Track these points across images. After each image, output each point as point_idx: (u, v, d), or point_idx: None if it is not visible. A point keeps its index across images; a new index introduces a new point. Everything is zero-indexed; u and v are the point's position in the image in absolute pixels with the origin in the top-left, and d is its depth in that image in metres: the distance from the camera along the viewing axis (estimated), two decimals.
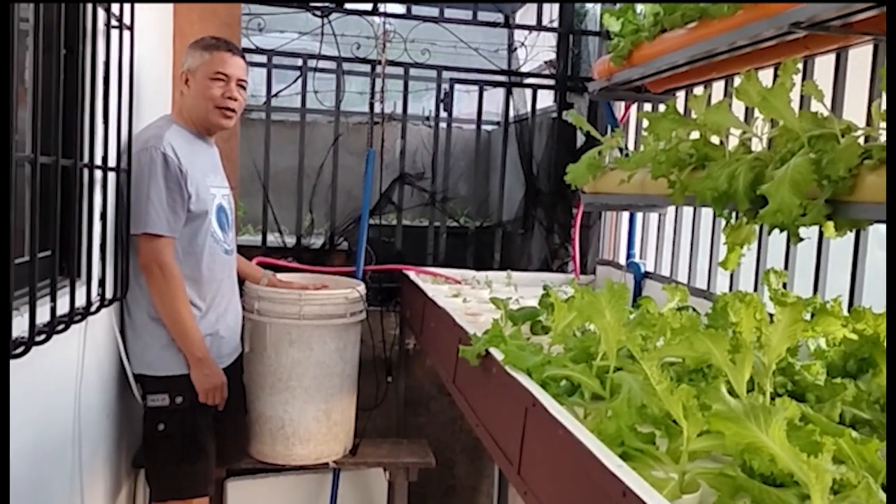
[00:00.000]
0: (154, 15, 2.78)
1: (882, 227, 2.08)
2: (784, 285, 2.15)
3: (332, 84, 4.00)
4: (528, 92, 4.32)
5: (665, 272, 3.38)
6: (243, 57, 2.57)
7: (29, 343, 1.56)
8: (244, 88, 2.56)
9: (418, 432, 3.94)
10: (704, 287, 2.99)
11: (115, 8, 2.14)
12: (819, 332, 1.85)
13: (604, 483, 1.21)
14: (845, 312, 1.88)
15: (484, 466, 4.25)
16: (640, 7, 2.76)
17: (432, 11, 4.07)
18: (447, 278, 3.71)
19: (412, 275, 3.69)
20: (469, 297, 3.21)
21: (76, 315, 1.89)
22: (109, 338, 2.38)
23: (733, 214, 2.08)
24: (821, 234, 2.31)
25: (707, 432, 1.30)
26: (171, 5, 3.09)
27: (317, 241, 4.05)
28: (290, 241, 3.99)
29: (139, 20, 2.32)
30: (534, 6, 4.41)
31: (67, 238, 1.91)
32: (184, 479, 2.52)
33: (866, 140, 1.72)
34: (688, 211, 3.19)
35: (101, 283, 2.16)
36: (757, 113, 1.86)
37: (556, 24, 4.31)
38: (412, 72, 4.03)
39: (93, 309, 2.06)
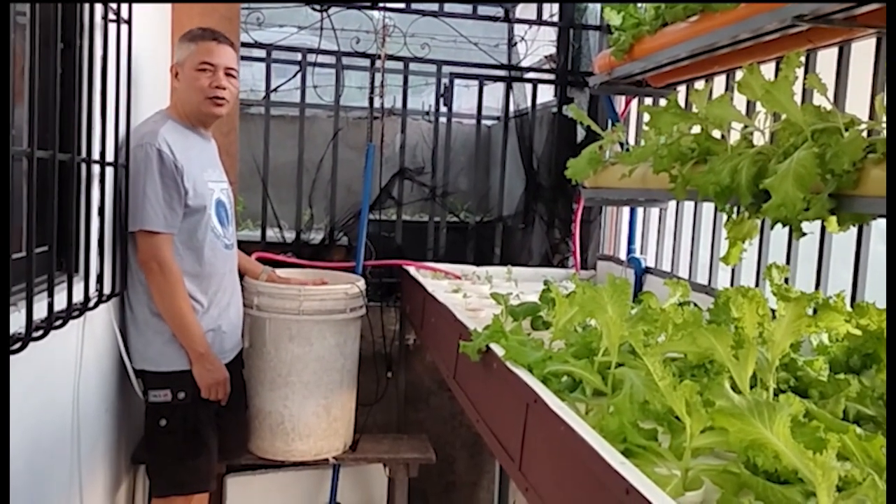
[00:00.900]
0: (152, 9, 2.77)
1: (884, 222, 2.07)
2: (786, 280, 2.14)
3: (331, 79, 3.98)
4: (529, 86, 4.31)
5: (666, 267, 3.37)
6: (232, 45, 2.54)
7: (26, 339, 1.55)
8: (234, 77, 2.53)
9: (418, 428, 3.93)
10: (706, 282, 2.98)
11: (112, 2, 2.12)
12: (822, 327, 1.84)
13: (606, 480, 1.20)
14: (848, 307, 1.87)
15: (484, 462, 4.24)
16: None
17: (432, 6, 4.05)
18: (447, 273, 3.70)
19: (412, 270, 3.67)
20: (469, 293, 3.20)
21: (74, 311, 1.88)
22: (108, 333, 2.37)
23: (735, 209, 2.07)
24: (823, 228, 2.30)
25: (710, 429, 1.29)
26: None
27: (316, 237, 4.04)
28: (290, 236, 3.98)
29: (137, 14, 2.30)
30: None
31: (65, 233, 1.90)
32: (185, 474, 2.51)
33: (869, 134, 1.71)
34: (689, 206, 3.18)
35: (100, 278, 2.15)
36: (759, 107, 1.85)
37: (556, 19, 4.29)
38: (412, 66, 4.02)
39: (91, 304, 2.05)
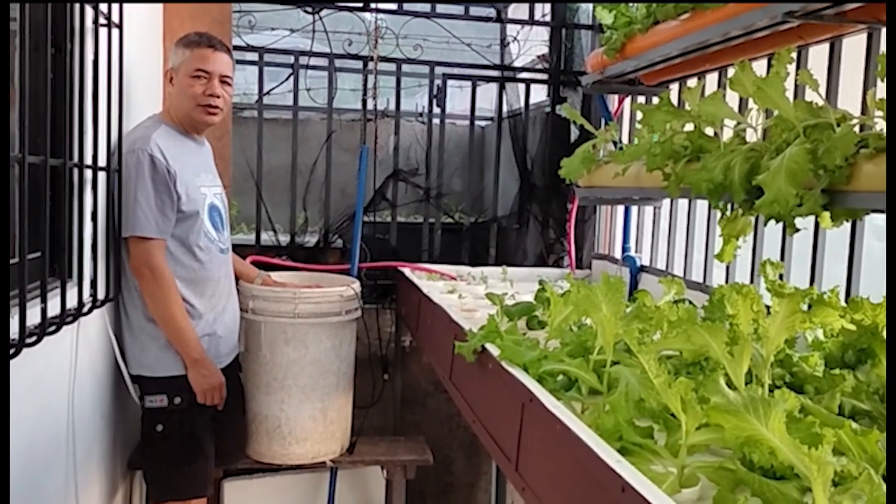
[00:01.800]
0: (144, 13, 2.76)
1: (878, 217, 2.08)
2: (781, 276, 2.14)
3: (324, 81, 3.98)
4: (522, 86, 4.31)
5: (661, 265, 3.37)
6: (228, 52, 2.53)
7: (20, 345, 1.55)
8: (229, 84, 2.52)
9: (415, 430, 3.93)
10: (701, 280, 2.98)
11: (103, 6, 2.11)
12: (817, 323, 1.84)
13: (602, 478, 1.20)
14: (843, 303, 1.87)
15: (481, 463, 4.24)
16: None
17: (424, 7, 4.05)
18: (442, 274, 3.70)
19: (407, 271, 3.67)
20: (465, 293, 3.20)
21: (68, 316, 1.87)
22: (103, 339, 2.36)
23: (729, 206, 2.07)
24: (817, 224, 2.30)
25: (706, 425, 1.29)
26: (160, 5, 3.07)
27: (311, 239, 4.03)
28: (284, 239, 3.97)
29: (128, 18, 2.30)
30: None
31: (57, 239, 1.89)
32: (182, 479, 2.50)
33: (862, 129, 1.71)
34: (683, 203, 3.18)
35: (94, 283, 2.14)
36: (751, 104, 1.85)
37: (548, 19, 4.29)
38: (405, 68, 4.01)
39: (85, 310, 2.04)
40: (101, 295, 2.19)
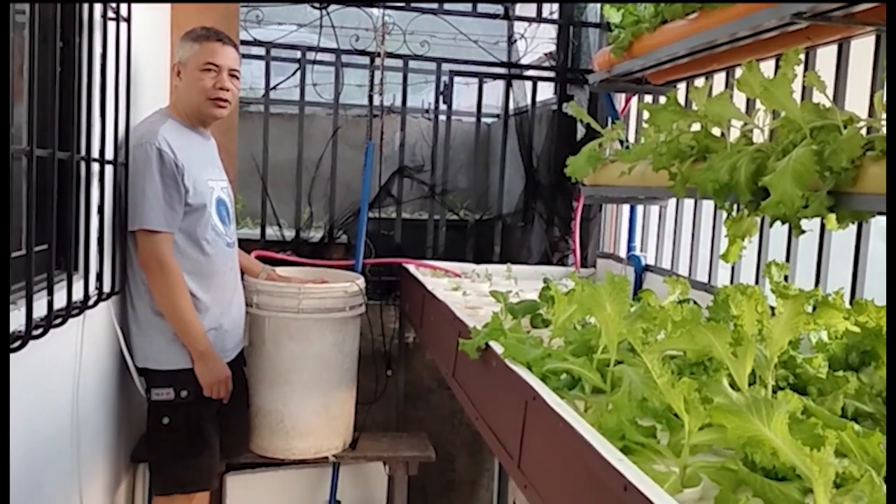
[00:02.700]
0: (152, 7, 2.76)
1: (884, 219, 2.08)
2: (786, 278, 2.14)
3: (330, 76, 3.98)
4: (528, 84, 4.30)
5: (666, 265, 3.37)
6: (235, 47, 2.55)
7: (26, 337, 1.55)
8: (237, 78, 2.54)
9: (418, 426, 3.93)
10: (705, 280, 2.98)
11: (112, 1, 2.12)
12: (821, 324, 1.84)
13: (605, 477, 1.20)
14: (847, 305, 1.87)
15: (484, 460, 4.25)
16: None
17: (431, 3, 4.05)
18: (447, 271, 3.70)
19: (412, 268, 3.68)
20: (469, 291, 3.20)
21: (74, 309, 1.88)
22: (108, 332, 2.37)
23: (735, 206, 2.07)
24: (822, 225, 2.30)
25: (708, 426, 1.29)
26: None
27: (316, 235, 4.04)
28: (289, 234, 3.98)
29: (136, 12, 2.30)
30: None
31: (64, 231, 1.90)
32: (188, 472, 2.51)
33: (869, 131, 1.71)
34: (689, 203, 3.18)
35: (99, 276, 2.15)
36: (758, 104, 1.85)
37: (556, 16, 4.28)
38: (411, 64, 4.01)
39: (90, 303, 2.05)
40: (106, 288, 2.20)
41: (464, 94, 4.87)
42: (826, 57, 2.35)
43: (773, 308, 1.72)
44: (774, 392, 1.51)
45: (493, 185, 4.35)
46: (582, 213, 3.91)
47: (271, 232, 3.97)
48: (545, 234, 4.23)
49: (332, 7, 3.84)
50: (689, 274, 3.12)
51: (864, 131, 1.63)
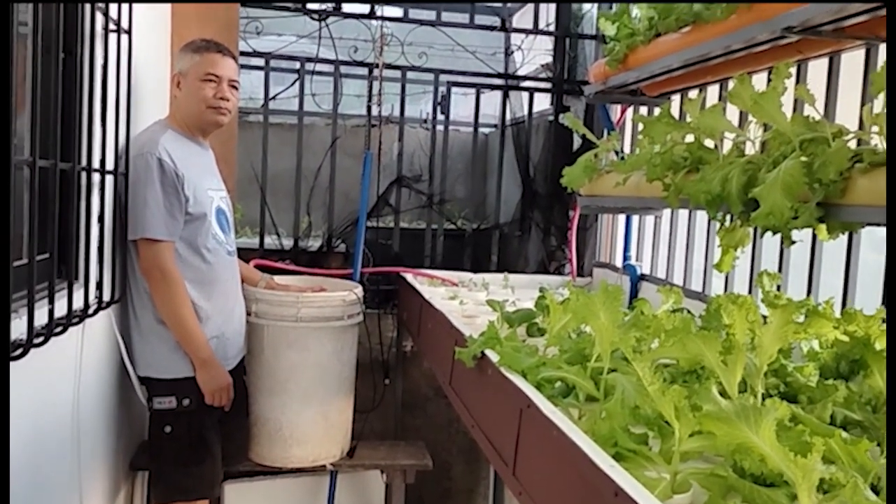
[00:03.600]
0: (152, 18, 2.80)
1: (874, 230, 2.11)
2: (778, 287, 2.17)
3: (329, 87, 4.02)
4: (525, 95, 4.35)
5: (661, 274, 3.40)
6: (234, 58, 2.58)
7: (27, 345, 1.58)
8: (236, 89, 2.58)
9: (415, 434, 3.95)
10: (700, 289, 3.00)
11: (113, 11, 2.15)
12: (812, 333, 1.86)
13: (596, 483, 1.22)
14: (838, 314, 1.89)
15: (480, 468, 4.26)
16: (635, 10, 2.78)
17: (429, 15, 4.09)
18: (444, 280, 3.73)
19: (409, 277, 3.70)
20: (466, 300, 3.22)
21: (74, 317, 1.90)
22: (107, 340, 2.39)
23: (727, 217, 2.09)
24: (814, 236, 2.32)
25: (699, 433, 1.31)
26: (168, 10, 3.11)
27: (314, 244, 4.07)
28: (288, 243, 4.00)
29: (137, 24, 2.33)
30: (531, 9, 4.43)
31: (65, 241, 1.92)
32: (190, 480, 2.52)
33: (859, 143, 1.74)
34: (683, 213, 3.21)
35: (99, 285, 2.17)
36: (751, 116, 1.88)
37: (552, 28, 4.32)
38: (409, 75, 4.05)
39: (90, 311, 2.07)
40: (106, 297, 2.22)
41: (461, 105, 4.91)
42: (818, 70, 2.38)
43: (765, 317, 1.74)
44: (764, 400, 1.54)
45: (491, 194, 4.38)
46: (578, 223, 3.94)
47: (270, 241, 3.99)
48: (542, 243, 4.26)
49: (331, 18, 3.88)
50: (684, 283, 3.14)
51: (853, 143, 1.66)
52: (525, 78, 4.45)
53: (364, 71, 3.97)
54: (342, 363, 3.09)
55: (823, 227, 1.74)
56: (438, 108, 4.15)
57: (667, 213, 3.32)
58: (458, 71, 4.18)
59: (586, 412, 1.69)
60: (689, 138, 2.18)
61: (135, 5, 2.30)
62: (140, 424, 2.77)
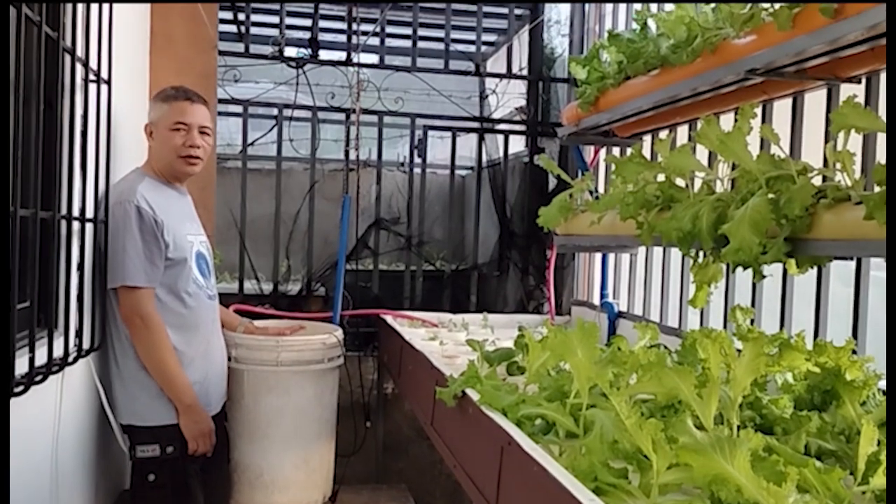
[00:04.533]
0: (131, 68, 2.83)
1: (843, 264, 2.16)
2: (752, 321, 2.21)
3: (307, 132, 4.07)
4: (500, 137, 4.42)
5: (638, 311, 3.44)
6: (206, 103, 2.61)
7: (9, 394, 1.57)
8: (208, 135, 2.59)
9: (398, 477, 3.93)
10: (676, 325, 3.04)
11: (93, 63, 2.18)
12: (784, 366, 1.90)
13: None
14: (810, 346, 1.93)
15: None
16: (605, 55, 2.85)
17: (405, 61, 4.18)
18: (424, 321, 3.75)
19: (389, 319, 3.72)
20: (446, 340, 3.24)
21: (54, 366, 1.90)
22: (87, 388, 2.38)
23: (700, 253, 2.14)
24: (785, 271, 2.37)
25: (676, 465, 1.33)
26: (147, 60, 3.15)
27: (294, 288, 4.08)
28: (267, 287, 4.01)
29: (116, 74, 2.36)
30: (504, 54, 4.53)
31: (45, 289, 1.93)
32: None
33: (824, 180, 1.79)
34: (658, 251, 3.26)
35: (79, 333, 2.17)
36: (719, 156, 1.94)
37: (525, 72, 4.42)
38: (386, 119, 4.12)
39: (70, 360, 2.06)
40: (86, 345, 2.22)
41: (438, 148, 4.97)
42: (783, 109, 2.46)
43: (739, 351, 1.78)
44: (739, 431, 1.56)
45: (469, 235, 4.43)
46: (556, 262, 3.99)
47: (250, 285, 4.00)
48: (520, 282, 4.30)
49: (308, 66, 3.95)
50: (661, 319, 3.18)
51: (818, 180, 1.72)
52: (500, 121, 4.53)
53: (341, 116, 4.03)
54: (323, 406, 3.08)
55: (793, 261, 1.79)
56: (415, 152, 4.21)
57: (642, 250, 3.37)
58: (435, 115, 4.25)
59: (566, 448, 1.71)
60: (661, 177, 2.23)
61: (114, 55, 2.33)
62: (119, 474, 2.74)
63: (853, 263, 2.19)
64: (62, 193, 2.03)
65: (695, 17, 2.27)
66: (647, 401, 1.87)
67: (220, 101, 3.67)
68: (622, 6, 3.70)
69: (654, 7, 2.96)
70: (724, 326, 2.68)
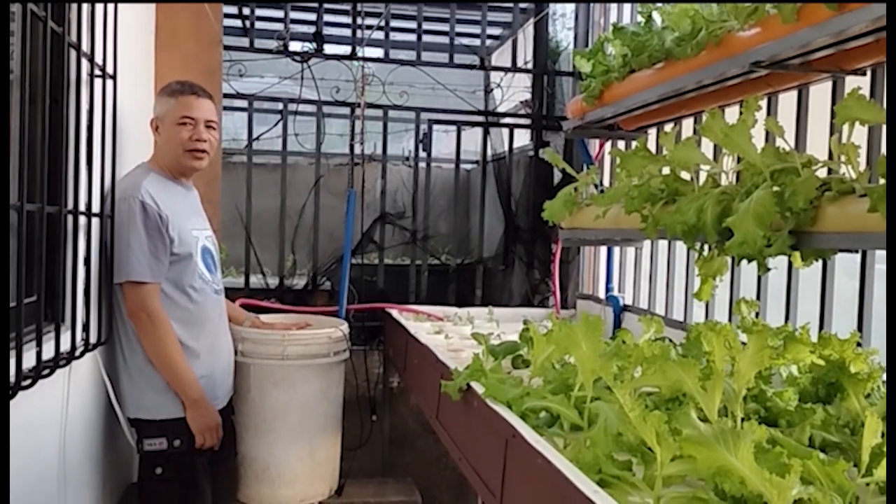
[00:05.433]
0: (136, 63, 2.84)
1: (848, 256, 2.16)
2: (757, 314, 2.21)
3: (312, 127, 4.07)
4: (505, 131, 4.42)
5: (643, 304, 3.44)
6: (211, 98, 2.61)
7: (15, 388, 1.58)
8: (214, 129, 2.60)
9: (404, 471, 3.94)
10: (681, 318, 3.04)
11: (98, 58, 2.19)
12: (789, 359, 1.90)
13: None
14: (815, 339, 1.93)
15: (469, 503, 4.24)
16: (609, 49, 2.85)
17: (410, 55, 4.19)
18: (429, 315, 3.75)
19: (395, 313, 3.72)
20: (451, 334, 3.25)
21: (61, 359, 1.91)
22: (94, 382, 2.39)
23: (704, 247, 2.14)
24: (790, 264, 2.37)
25: (680, 457, 1.34)
26: (152, 54, 3.16)
27: (299, 282, 4.09)
28: (273, 282, 4.02)
29: (122, 69, 2.37)
30: (509, 48, 4.52)
31: (52, 283, 1.94)
32: None
33: (829, 172, 1.79)
34: (663, 244, 3.26)
35: (86, 327, 2.18)
36: (724, 149, 1.94)
37: (530, 66, 4.41)
38: (391, 113, 4.12)
39: (77, 353, 2.07)
40: (93, 339, 2.23)
41: (443, 142, 4.98)
42: (788, 101, 2.45)
43: (744, 343, 1.78)
44: (743, 423, 1.57)
45: (474, 229, 4.43)
46: (561, 256, 3.99)
47: (255, 280, 4.01)
48: (525, 276, 4.30)
49: (313, 60, 3.95)
50: (666, 312, 3.18)
51: (823, 173, 1.72)
52: (505, 115, 4.53)
53: (346, 110, 4.03)
54: (329, 400, 3.09)
55: (797, 254, 1.79)
56: (420, 146, 4.21)
57: (647, 244, 3.37)
58: (439, 109, 4.25)
59: (571, 441, 1.72)
60: (666, 171, 2.23)
61: (119, 51, 2.34)
62: (127, 467, 2.76)
63: (858, 256, 2.19)
64: (68, 188, 2.03)
65: (699, 10, 2.26)
66: (651, 394, 1.88)
67: (226, 95, 3.67)
68: None
69: None
70: (729, 319, 2.68)
